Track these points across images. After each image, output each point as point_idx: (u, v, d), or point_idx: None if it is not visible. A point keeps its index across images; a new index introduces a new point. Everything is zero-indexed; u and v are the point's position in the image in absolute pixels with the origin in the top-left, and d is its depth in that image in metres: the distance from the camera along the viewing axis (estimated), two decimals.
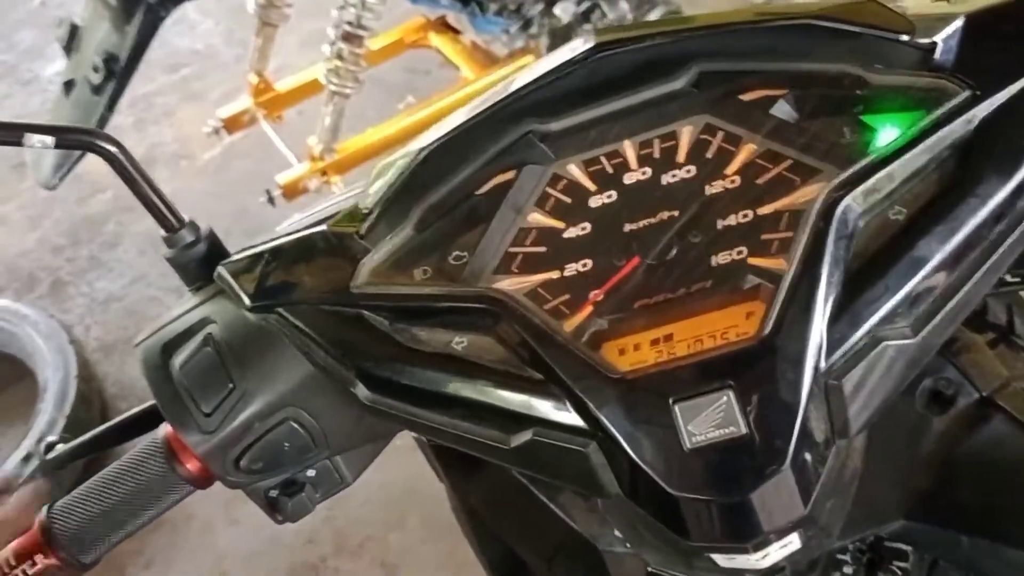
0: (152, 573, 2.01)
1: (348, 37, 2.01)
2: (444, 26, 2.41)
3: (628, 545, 0.62)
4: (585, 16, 2.18)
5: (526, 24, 2.23)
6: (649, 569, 0.64)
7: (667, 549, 0.51)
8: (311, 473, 0.57)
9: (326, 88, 2.07)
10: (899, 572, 0.60)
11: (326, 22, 2.05)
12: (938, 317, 0.43)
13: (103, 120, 1.82)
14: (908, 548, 0.59)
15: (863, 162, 0.44)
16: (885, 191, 0.44)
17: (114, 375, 2.37)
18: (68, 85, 1.90)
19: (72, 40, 1.89)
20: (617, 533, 0.64)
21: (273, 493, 0.57)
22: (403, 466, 1.94)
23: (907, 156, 0.44)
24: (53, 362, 2.19)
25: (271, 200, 2.11)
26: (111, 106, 1.83)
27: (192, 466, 0.56)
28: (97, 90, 1.81)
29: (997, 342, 0.63)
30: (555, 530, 0.67)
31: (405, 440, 0.73)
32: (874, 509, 0.56)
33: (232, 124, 2.34)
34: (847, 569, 0.61)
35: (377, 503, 1.98)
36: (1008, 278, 0.59)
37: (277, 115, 2.37)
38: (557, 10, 2.18)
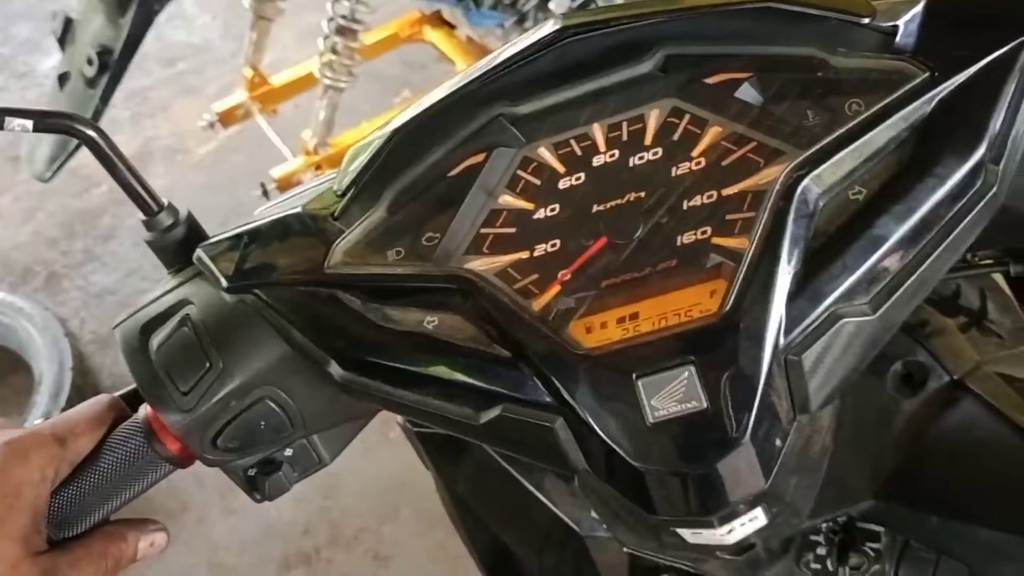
0: (148, 563, 2.01)
1: (342, 31, 2.02)
2: (439, 20, 2.41)
3: (605, 527, 0.63)
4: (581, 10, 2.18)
5: (521, 18, 2.24)
6: (625, 550, 0.65)
7: (638, 527, 0.52)
8: (288, 452, 0.58)
9: (320, 82, 2.08)
10: (871, 553, 0.61)
11: (323, 16, 2.06)
12: (897, 295, 0.44)
13: (97, 113, 1.83)
14: (880, 529, 0.60)
15: (823, 143, 0.45)
16: (845, 171, 0.45)
17: (109, 367, 2.37)
18: (62, 78, 1.91)
19: (66, 33, 1.90)
20: (594, 515, 0.65)
21: (251, 472, 0.58)
22: (397, 459, 1.96)
23: (866, 137, 0.45)
24: (48, 355, 2.20)
25: (266, 194, 2.12)
26: (105, 99, 1.83)
27: (171, 445, 0.57)
28: (91, 83, 1.81)
29: (969, 326, 0.64)
30: (541, 518, 0.68)
31: (399, 433, 0.74)
32: (845, 489, 0.57)
33: (227, 118, 2.35)
34: (820, 550, 0.62)
35: (372, 495, 2.00)
36: (971, 259, 0.59)
37: (272, 109, 2.38)
38: (552, 4, 2.18)
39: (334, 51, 2.03)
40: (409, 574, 1.89)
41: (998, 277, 0.64)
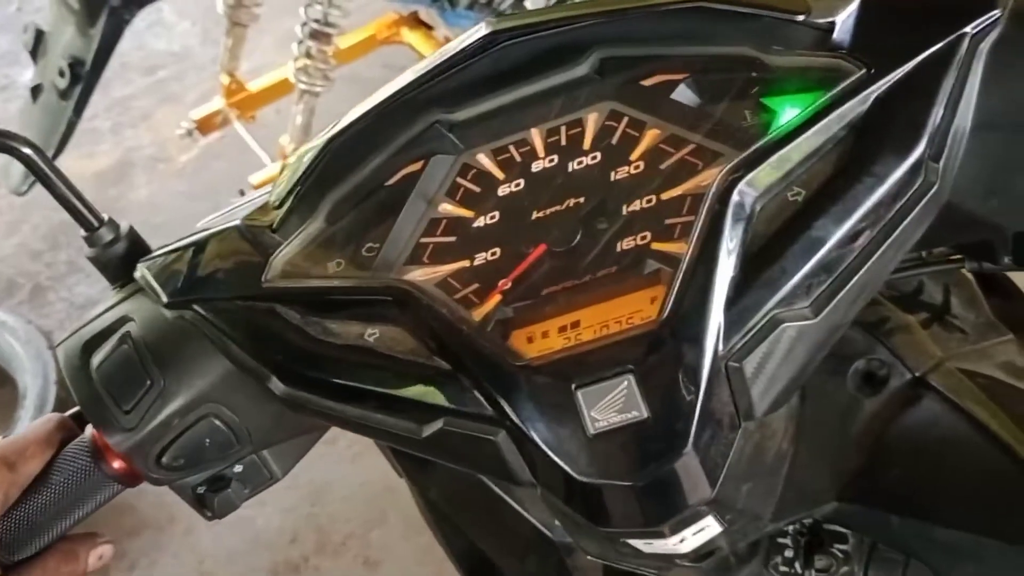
0: (136, 575, 2.00)
1: (316, 35, 2.00)
2: (416, 22, 2.40)
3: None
4: None
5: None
6: (589, 558, 0.64)
7: (596, 536, 0.51)
8: (238, 469, 0.57)
9: (296, 87, 2.07)
10: (839, 554, 0.60)
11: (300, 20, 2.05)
12: (838, 298, 0.43)
13: (71, 125, 1.82)
14: (847, 531, 0.59)
15: (759, 144, 0.44)
16: (782, 172, 0.44)
17: None
18: (35, 90, 1.90)
19: (38, 45, 1.88)
20: (558, 523, 0.65)
21: (200, 490, 0.57)
22: (383, 464, 1.95)
23: (803, 136, 0.44)
24: (32, 368, 2.19)
25: None
26: (78, 111, 1.82)
27: (117, 464, 0.56)
28: (64, 95, 1.80)
29: (931, 321, 0.63)
30: (517, 524, 0.67)
31: None
32: (806, 492, 0.56)
33: (205, 125, 2.34)
34: (788, 552, 0.61)
35: (358, 501, 1.99)
36: (926, 257, 0.58)
37: (250, 115, 2.37)
38: (527, 3, 2.17)
39: (308, 55, 2.02)
40: None
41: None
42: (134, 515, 2.09)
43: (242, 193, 2.10)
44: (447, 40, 2.32)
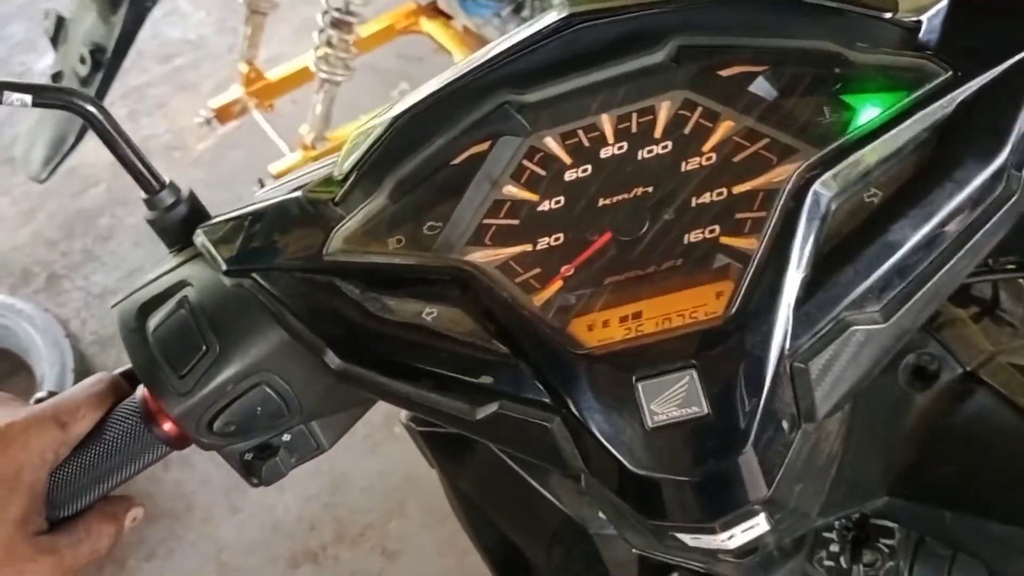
0: (153, 564, 2.01)
1: (337, 24, 2.00)
2: (435, 11, 2.39)
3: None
4: None
5: (518, 7, 2.21)
6: (634, 551, 0.64)
7: (642, 529, 0.51)
8: (286, 438, 0.57)
9: (316, 76, 2.06)
10: (885, 549, 0.59)
11: (319, 9, 2.04)
12: (910, 303, 0.42)
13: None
14: (894, 525, 0.59)
15: (838, 142, 0.43)
16: (860, 172, 0.43)
17: (111, 368, 2.36)
18: (56, 77, 1.89)
19: (59, 32, 1.88)
20: (601, 515, 0.64)
21: (248, 456, 0.57)
22: (402, 454, 1.95)
23: (884, 137, 0.43)
24: (49, 356, 2.19)
25: None
26: (99, 98, 1.81)
27: (168, 427, 0.56)
28: (84, 82, 1.79)
29: (981, 316, 0.63)
30: (548, 515, 0.67)
31: (403, 430, 0.73)
32: (857, 487, 0.56)
33: (223, 114, 2.33)
34: (833, 548, 0.60)
35: (377, 491, 1.99)
36: (992, 264, 0.58)
37: (269, 104, 2.36)
38: None
39: (329, 44, 2.01)
40: (417, 569, 1.88)
41: None
42: (152, 503, 2.09)
43: (262, 184, 2.09)
44: (465, 30, 2.32)
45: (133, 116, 3.04)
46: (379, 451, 2.01)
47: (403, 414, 0.71)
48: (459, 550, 1.80)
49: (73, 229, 2.76)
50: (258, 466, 0.57)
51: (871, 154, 0.43)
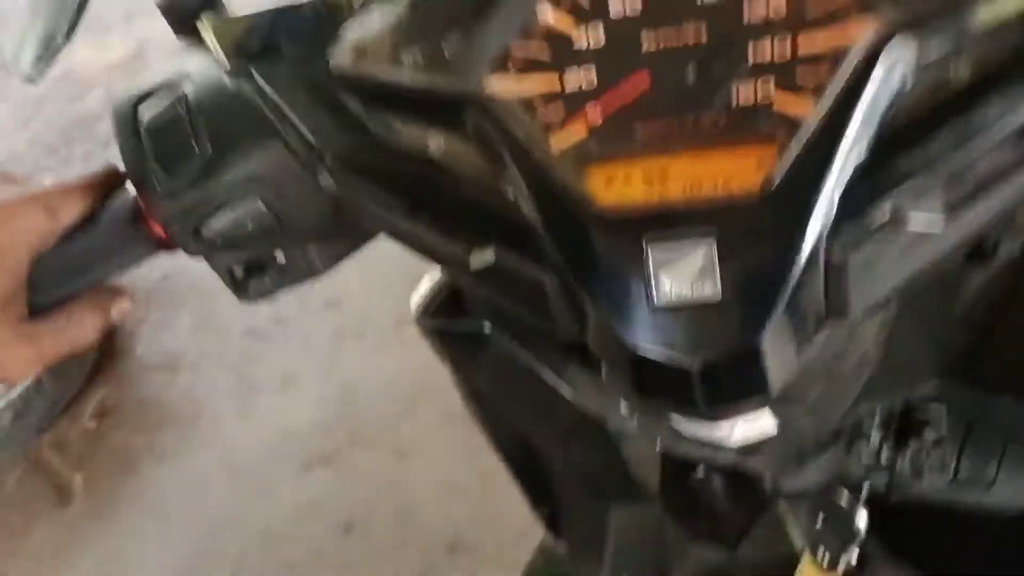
0: (165, 467, 2.01)
1: None
2: None
3: (635, 421, 0.58)
4: None
5: None
6: (658, 450, 0.60)
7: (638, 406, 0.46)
8: (280, 259, 0.55)
9: None
10: (931, 441, 0.56)
11: None
12: (975, 206, 0.37)
13: (82, 2, 1.74)
14: (941, 413, 0.55)
15: (930, 2, 0.36)
16: (950, 44, 0.36)
17: None
18: None
19: None
20: (623, 411, 0.61)
21: (238, 271, 0.55)
22: (412, 358, 1.93)
23: (987, 4, 0.36)
24: None
25: None
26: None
27: (156, 227, 0.53)
28: None
29: None
30: (564, 412, 0.64)
31: (414, 332, 0.70)
32: (904, 370, 0.52)
33: None
34: (874, 438, 0.57)
35: (389, 395, 1.98)
36: None
37: None
38: None
39: None
40: (430, 469, 1.88)
41: None
42: (161, 409, 2.09)
43: None
44: None
45: (128, 18, 2.96)
46: (389, 353, 1.99)
47: (415, 313, 0.68)
48: (471, 450, 1.80)
49: (72, 135, 2.72)
50: (245, 282, 0.55)
51: (969, 24, 0.36)
